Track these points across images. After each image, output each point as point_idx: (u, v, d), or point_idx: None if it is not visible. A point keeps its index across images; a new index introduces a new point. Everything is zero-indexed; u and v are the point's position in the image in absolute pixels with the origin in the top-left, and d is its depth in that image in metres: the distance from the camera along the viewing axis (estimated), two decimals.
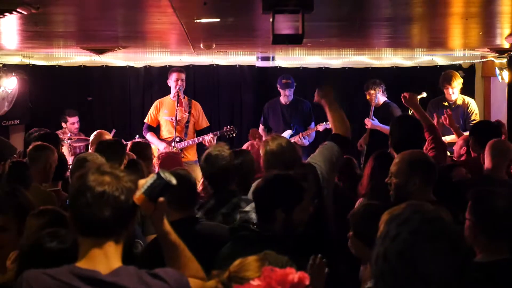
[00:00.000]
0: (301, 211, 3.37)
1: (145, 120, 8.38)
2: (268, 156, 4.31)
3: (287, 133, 8.41)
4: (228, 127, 8.20)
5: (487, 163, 4.90)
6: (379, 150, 5.05)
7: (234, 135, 8.24)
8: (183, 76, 8.15)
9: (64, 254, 2.50)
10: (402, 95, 5.60)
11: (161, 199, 2.32)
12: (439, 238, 1.74)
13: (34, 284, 2.16)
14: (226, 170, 4.24)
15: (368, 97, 8.30)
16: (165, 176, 2.30)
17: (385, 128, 7.81)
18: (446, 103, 7.87)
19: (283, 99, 8.59)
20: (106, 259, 2.19)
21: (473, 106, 7.84)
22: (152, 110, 8.33)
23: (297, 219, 3.33)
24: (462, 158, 5.91)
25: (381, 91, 8.26)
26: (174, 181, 2.31)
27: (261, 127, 8.76)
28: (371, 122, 8.03)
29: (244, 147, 6.14)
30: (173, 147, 7.84)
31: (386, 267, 1.74)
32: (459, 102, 7.83)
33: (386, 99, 8.34)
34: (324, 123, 8.33)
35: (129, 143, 6.41)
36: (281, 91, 8.55)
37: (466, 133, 6.87)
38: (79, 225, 2.22)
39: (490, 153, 4.89)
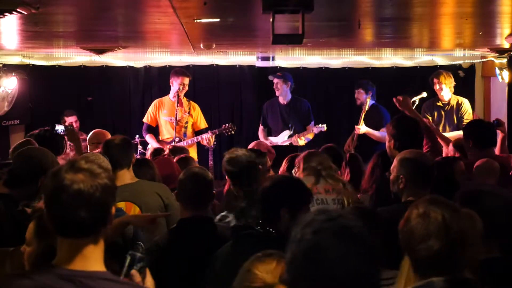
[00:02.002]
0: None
1: (144, 120, 8.37)
2: None
3: (285, 134, 8.40)
4: (227, 124, 8.19)
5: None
6: (382, 149, 5.10)
7: (233, 132, 8.24)
8: (187, 80, 8.15)
9: None
10: (394, 98, 5.59)
11: (133, 271, 2.36)
12: (341, 235, 1.70)
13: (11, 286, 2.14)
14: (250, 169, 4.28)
15: (356, 95, 8.29)
16: (137, 251, 2.39)
17: (376, 134, 7.87)
18: (440, 104, 7.89)
19: (281, 100, 8.58)
20: (84, 260, 2.16)
21: (466, 105, 7.86)
22: (151, 109, 8.33)
23: None
24: None
25: (371, 93, 8.21)
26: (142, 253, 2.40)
27: (260, 127, 8.75)
28: (360, 129, 8.01)
29: (250, 146, 6.15)
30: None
31: (295, 271, 1.70)
32: (453, 102, 7.85)
33: (373, 102, 8.29)
34: (319, 125, 8.32)
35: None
36: (275, 87, 8.56)
37: (456, 133, 6.90)
38: (56, 226, 2.17)
39: (478, 174, 4.95)
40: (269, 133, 8.65)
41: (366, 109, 8.14)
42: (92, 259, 2.17)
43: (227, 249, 3.29)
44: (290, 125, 8.46)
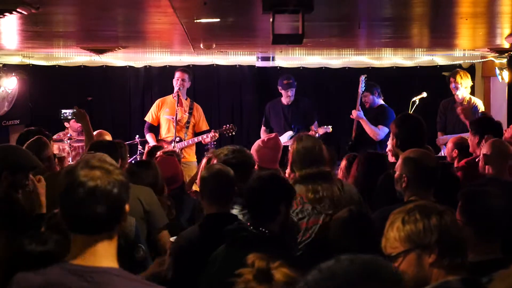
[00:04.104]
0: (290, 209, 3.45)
1: (146, 119, 8.37)
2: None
3: (287, 134, 8.37)
4: (227, 125, 8.18)
5: (490, 165, 4.79)
6: (361, 153, 5.14)
7: (233, 133, 8.23)
8: (184, 76, 8.13)
9: (47, 257, 2.47)
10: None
11: None
12: None
13: (23, 283, 2.14)
14: None
15: (363, 99, 8.26)
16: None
17: (368, 125, 7.83)
18: (455, 104, 7.90)
19: (284, 100, 8.53)
20: (97, 256, 2.16)
21: (480, 106, 7.85)
22: (153, 108, 8.33)
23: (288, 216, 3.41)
24: (455, 162, 5.82)
25: (376, 93, 8.20)
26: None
27: (263, 128, 8.70)
28: (356, 113, 7.96)
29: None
30: (173, 147, 7.84)
31: None
32: (466, 102, 7.84)
33: (382, 102, 8.27)
34: (325, 126, 8.29)
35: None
36: (283, 92, 8.42)
37: (464, 134, 6.87)
38: (70, 222, 2.18)
39: (493, 155, 4.80)
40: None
41: (372, 106, 8.16)
42: (105, 256, 2.17)
43: (222, 252, 3.29)
44: (292, 126, 8.42)
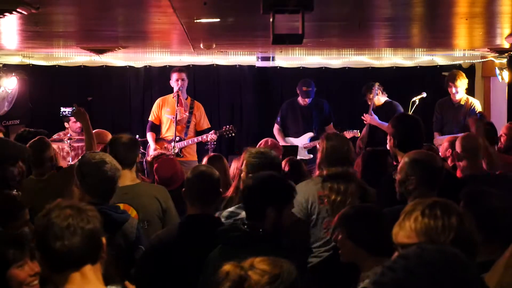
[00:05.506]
0: (290, 211, 3.41)
1: (149, 118, 8.38)
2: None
3: (307, 136, 8.32)
4: (227, 126, 8.17)
5: (462, 162, 4.89)
6: (369, 148, 5.15)
7: (233, 134, 8.22)
8: (183, 75, 8.14)
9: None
10: None
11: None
12: None
13: None
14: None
15: (369, 102, 8.28)
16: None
17: (384, 125, 7.83)
18: (451, 103, 7.91)
19: (302, 102, 8.49)
20: (89, 283, 2.24)
21: (477, 106, 7.85)
22: (154, 108, 8.34)
23: (286, 218, 3.36)
24: (449, 161, 5.86)
25: (380, 91, 8.22)
26: None
27: (276, 126, 8.62)
28: (370, 117, 7.99)
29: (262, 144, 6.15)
30: (173, 147, 7.84)
31: None
32: (464, 102, 7.85)
33: (387, 98, 8.32)
34: (351, 130, 8.27)
35: None
36: (300, 97, 8.44)
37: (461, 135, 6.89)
38: (53, 261, 2.24)
39: (463, 153, 4.90)
40: (286, 133, 8.55)
41: (378, 104, 8.16)
42: (96, 283, 2.26)
43: (217, 253, 3.28)
44: (314, 127, 8.36)
